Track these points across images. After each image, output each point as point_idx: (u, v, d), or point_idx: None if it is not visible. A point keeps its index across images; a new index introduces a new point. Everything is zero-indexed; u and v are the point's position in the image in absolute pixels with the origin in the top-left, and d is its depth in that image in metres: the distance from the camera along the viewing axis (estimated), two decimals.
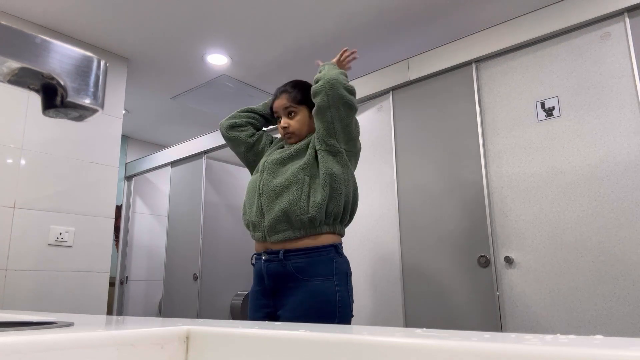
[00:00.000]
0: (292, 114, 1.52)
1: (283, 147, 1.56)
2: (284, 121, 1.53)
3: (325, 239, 1.39)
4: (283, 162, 1.45)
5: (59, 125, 2.63)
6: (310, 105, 1.53)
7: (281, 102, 1.54)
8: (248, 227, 1.51)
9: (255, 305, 1.46)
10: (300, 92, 1.54)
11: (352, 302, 1.40)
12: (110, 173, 2.83)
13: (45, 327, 0.44)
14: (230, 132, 1.62)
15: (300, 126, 1.52)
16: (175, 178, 3.71)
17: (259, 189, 1.44)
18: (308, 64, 3.16)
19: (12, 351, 0.34)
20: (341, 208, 1.42)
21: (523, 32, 2.02)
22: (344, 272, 1.39)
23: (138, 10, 2.55)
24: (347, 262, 1.44)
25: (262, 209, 1.42)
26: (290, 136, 1.53)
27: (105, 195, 2.78)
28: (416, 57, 2.40)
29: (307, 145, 1.47)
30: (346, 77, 1.49)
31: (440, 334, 0.35)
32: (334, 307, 1.33)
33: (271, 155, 1.50)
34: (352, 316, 1.40)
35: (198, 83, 3.44)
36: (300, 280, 1.35)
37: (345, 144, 1.45)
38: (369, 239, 2.43)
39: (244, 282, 3.54)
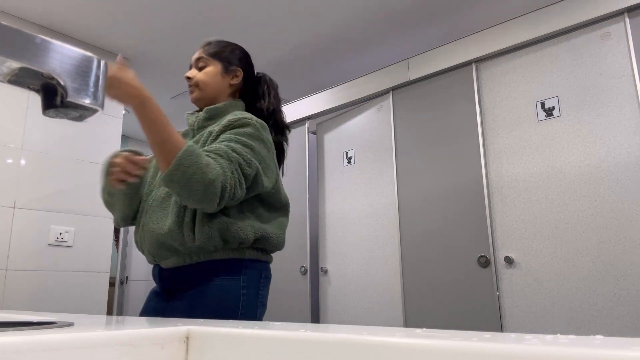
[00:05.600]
0: (202, 69, 1.26)
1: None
2: (190, 72, 1.27)
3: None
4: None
5: (59, 125, 2.62)
6: (225, 64, 1.26)
7: (195, 55, 1.28)
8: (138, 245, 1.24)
9: (146, 307, 1.21)
10: (219, 46, 1.28)
11: (264, 310, 1.13)
12: None
13: (45, 327, 0.44)
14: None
15: (207, 79, 1.24)
16: None
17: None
18: (308, 64, 3.16)
19: (12, 351, 0.34)
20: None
21: (523, 32, 2.02)
22: (257, 273, 1.12)
23: (138, 10, 2.55)
24: (266, 262, 1.18)
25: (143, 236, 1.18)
26: (192, 90, 1.26)
27: None
28: (416, 57, 2.40)
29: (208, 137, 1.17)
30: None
31: (440, 334, 0.35)
32: (235, 310, 1.06)
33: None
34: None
35: None
36: (201, 279, 1.10)
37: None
38: (369, 239, 2.43)
39: None
